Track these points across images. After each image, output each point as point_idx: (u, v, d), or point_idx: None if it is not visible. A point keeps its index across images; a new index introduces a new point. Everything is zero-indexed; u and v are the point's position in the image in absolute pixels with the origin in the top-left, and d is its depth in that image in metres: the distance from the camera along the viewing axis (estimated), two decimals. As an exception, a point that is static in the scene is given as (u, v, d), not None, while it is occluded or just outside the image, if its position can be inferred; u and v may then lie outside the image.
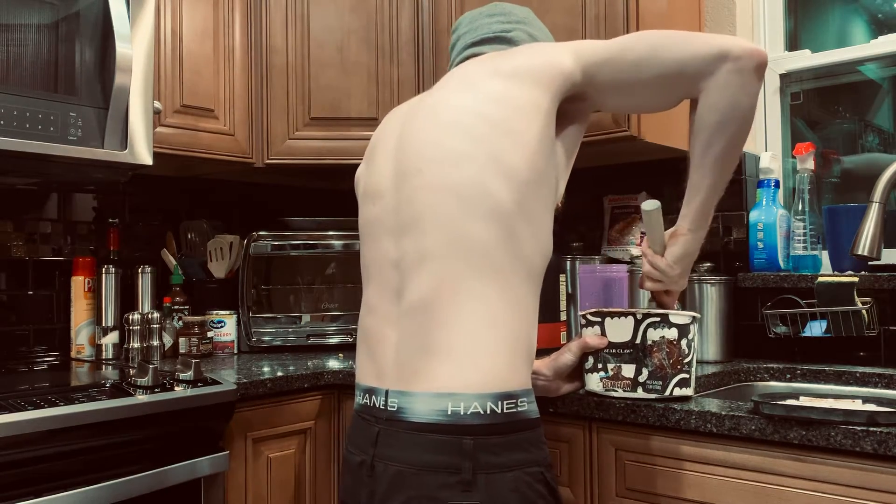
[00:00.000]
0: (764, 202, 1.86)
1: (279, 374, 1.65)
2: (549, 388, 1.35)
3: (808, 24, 2.09)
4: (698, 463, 1.24)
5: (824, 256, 1.82)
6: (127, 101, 1.62)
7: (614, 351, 1.30)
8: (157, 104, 1.71)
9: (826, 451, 1.12)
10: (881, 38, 1.87)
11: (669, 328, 1.25)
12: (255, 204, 2.44)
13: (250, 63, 2.05)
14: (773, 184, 1.86)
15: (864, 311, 1.63)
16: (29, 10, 1.51)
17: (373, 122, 2.06)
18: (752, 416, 1.17)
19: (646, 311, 1.28)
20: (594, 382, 1.33)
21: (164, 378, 1.50)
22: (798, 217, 1.82)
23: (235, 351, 2.08)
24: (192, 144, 1.90)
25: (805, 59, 1.97)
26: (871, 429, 1.07)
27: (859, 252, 1.49)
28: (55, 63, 1.54)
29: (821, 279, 1.68)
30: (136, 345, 1.85)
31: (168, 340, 1.95)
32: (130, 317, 1.86)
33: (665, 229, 1.26)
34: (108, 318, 1.90)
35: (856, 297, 1.64)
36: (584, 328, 1.34)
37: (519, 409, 1.08)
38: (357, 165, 1.39)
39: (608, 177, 2.13)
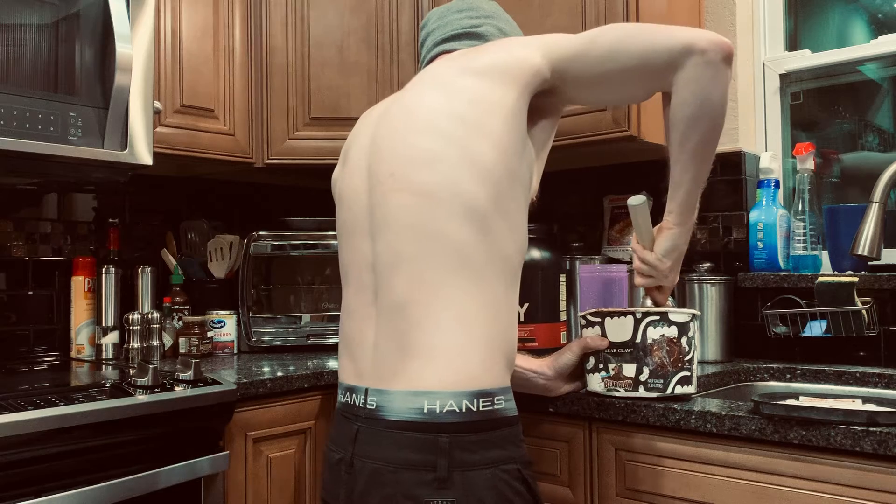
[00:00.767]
0: (764, 202, 1.86)
1: (279, 374, 1.65)
2: (550, 387, 1.35)
3: (808, 24, 2.09)
4: (698, 463, 1.24)
5: (824, 256, 1.82)
6: (127, 101, 1.62)
7: (615, 351, 1.29)
8: (157, 104, 1.71)
9: (826, 451, 1.12)
10: (881, 38, 1.87)
11: (669, 326, 1.25)
12: (255, 204, 2.44)
13: (250, 63, 2.05)
14: (773, 184, 1.86)
15: (864, 311, 1.63)
16: (29, 10, 1.51)
17: (373, 122, 2.06)
18: (752, 416, 1.17)
19: (645, 309, 1.27)
20: (596, 382, 1.33)
21: (164, 378, 1.50)
22: (798, 217, 1.82)
23: (235, 351, 2.08)
24: (192, 144, 1.90)
25: (805, 59, 1.97)
26: (871, 429, 1.07)
27: (859, 252, 1.49)
28: (55, 63, 1.54)
29: (821, 279, 1.68)
30: (136, 345, 1.85)
31: (168, 340, 1.94)
32: (130, 317, 1.85)
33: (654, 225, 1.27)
34: (108, 318, 1.90)
35: (856, 297, 1.64)
36: (584, 328, 1.34)
37: (496, 406, 1.08)
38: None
39: (608, 177, 2.13)
